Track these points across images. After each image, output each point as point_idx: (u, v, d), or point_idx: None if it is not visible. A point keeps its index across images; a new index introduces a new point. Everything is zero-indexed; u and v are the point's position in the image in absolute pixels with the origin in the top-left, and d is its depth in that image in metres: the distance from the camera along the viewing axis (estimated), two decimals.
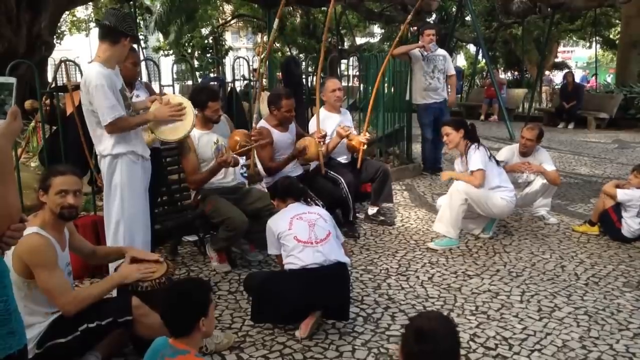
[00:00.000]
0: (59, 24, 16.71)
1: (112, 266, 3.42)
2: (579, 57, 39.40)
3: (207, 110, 4.18)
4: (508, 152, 5.47)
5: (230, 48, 26.99)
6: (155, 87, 5.05)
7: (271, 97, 4.84)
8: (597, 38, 21.45)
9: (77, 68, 5.03)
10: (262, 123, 4.71)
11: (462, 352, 3.04)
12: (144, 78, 5.20)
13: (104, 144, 3.44)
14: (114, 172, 3.44)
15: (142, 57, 7.27)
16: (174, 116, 3.55)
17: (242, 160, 4.57)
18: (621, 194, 4.93)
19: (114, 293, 2.99)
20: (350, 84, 10.28)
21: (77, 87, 4.10)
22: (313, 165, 5.21)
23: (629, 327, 3.36)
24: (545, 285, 4.00)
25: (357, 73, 8.76)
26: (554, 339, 3.21)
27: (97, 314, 2.68)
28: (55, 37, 12.57)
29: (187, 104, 3.69)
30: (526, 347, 3.13)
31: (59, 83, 4.85)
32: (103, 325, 2.67)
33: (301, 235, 3.29)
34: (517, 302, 3.71)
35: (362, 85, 8.16)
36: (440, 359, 1.80)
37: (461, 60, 31.85)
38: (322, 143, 4.83)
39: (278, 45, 21.45)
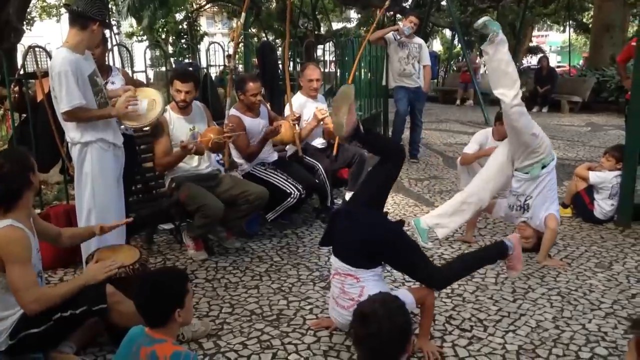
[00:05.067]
0: (28, 10, 16.32)
1: (84, 253, 3.39)
2: (553, 42, 39.80)
3: (172, 87, 4.16)
4: (482, 137, 5.50)
5: (206, 33, 26.65)
6: (128, 74, 4.98)
7: (237, 82, 4.78)
8: (570, 22, 21.65)
9: (46, 54, 4.93)
10: (233, 111, 4.66)
11: (438, 334, 3.09)
12: (117, 64, 5.11)
13: (74, 132, 3.39)
14: (84, 161, 3.40)
15: (114, 43, 7.15)
16: (129, 106, 3.49)
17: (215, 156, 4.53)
18: (593, 177, 5.01)
19: None
20: (327, 70, 10.25)
21: (46, 73, 4.02)
22: (290, 151, 5.20)
23: (601, 307, 3.43)
24: None
25: (334, 58, 8.72)
26: (527, 320, 3.26)
27: (70, 302, 2.64)
28: (24, 23, 12.28)
29: (158, 98, 3.67)
30: (501, 328, 3.18)
31: (28, 70, 4.74)
32: (77, 314, 2.64)
33: None
34: (492, 284, 3.76)
35: (338, 70, 8.14)
36: (384, 339, 1.84)
37: (437, 45, 31.95)
38: (296, 125, 4.80)
39: (254, 30, 21.25)
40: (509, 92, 3.90)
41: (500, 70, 3.91)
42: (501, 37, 3.86)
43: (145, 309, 2.27)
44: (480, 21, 3.92)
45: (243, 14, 4.83)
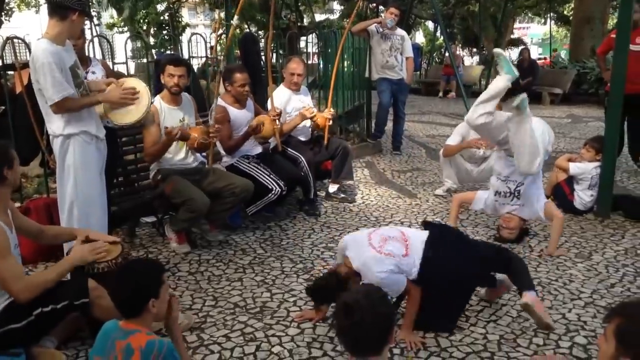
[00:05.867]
0: (6, 1, 16.05)
1: (66, 247, 3.35)
2: (534, 34, 40.04)
3: (164, 74, 4.11)
4: (464, 128, 5.53)
5: (187, 25, 26.38)
6: (109, 65, 4.92)
7: (224, 73, 4.76)
8: (551, 14, 21.80)
9: (25, 46, 4.86)
10: (219, 101, 4.64)
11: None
12: (98, 55, 5.05)
13: (56, 124, 3.35)
14: (67, 153, 3.36)
15: (94, 34, 7.06)
16: (125, 99, 3.45)
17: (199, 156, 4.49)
18: (573, 168, 5.07)
19: (68, 275, 2.92)
20: (310, 62, 10.20)
21: (25, 65, 3.97)
22: (273, 144, 5.18)
23: (581, 297, 3.48)
24: None
25: (317, 50, 8.69)
26: (509, 310, 3.30)
27: (52, 297, 2.61)
28: (3, 14, 12.09)
29: (143, 88, 3.62)
30: (482, 318, 3.21)
31: (7, 61, 4.67)
32: (58, 308, 2.61)
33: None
34: None
35: (321, 62, 8.12)
36: (367, 329, 1.86)
37: (420, 37, 32.01)
38: (276, 121, 4.79)
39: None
40: (535, 161, 4.01)
41: (526, 145, 3.98)
42: (528, 111, 3.99)
43: (120, 297, 2.26)
44: (520, 99, 3.95)
45: (235, 17, 4.82)
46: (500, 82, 4.04)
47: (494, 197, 4.39)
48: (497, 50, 4.15)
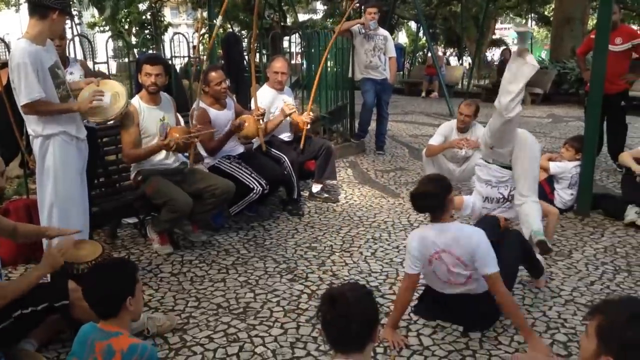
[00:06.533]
0: None
1: (45, 246, 3.31)
2: (515, 34, 40.40)
3: (141, 73, 4.08)
4: (446, 129, 5.58)
5: (170, 24, 26.24)
6: (90, 65, 4.88)
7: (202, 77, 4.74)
8: (532, 15, 22.01)
9: (5, 46, 4.82)
10: (199, 104, 4.61)
11: (404, 323, 3.13)
12: (79, 55, 5.01)
13: (35, 125, 3.31)
14: (46, 154, 3.32)
15: (75, 33, 7.00)
16: (94, 98, 3.40)
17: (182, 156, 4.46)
18: (553, 167, 5.12)
19: (48, 277, 2.89)
20: (293, 62, 10.20)
21: (4, 64, 3.92)
22: (256, 144, 5.18)
23: (561, 295, 3.53)
24: None
25: (300, 50, 8.68)
26: None
27: (31, 299, 2.58)
28: None
29: (122, 91, 3.60)
30: None
31: None
32: (38, 310, 2.58)
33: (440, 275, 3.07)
34: None
35: (304, 62, 8.11)
36: (352, 321, 1.88)
37: (403, 38, 32.12)
38: (260, 121, 4.77)
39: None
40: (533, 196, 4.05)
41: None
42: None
43: (96, 298, 2.25)
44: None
45: (219, 17, 4.81)
46: (528, 69, 4.12)
47: (483, 203, 4.37)
48: (519, 29, 4.25)
